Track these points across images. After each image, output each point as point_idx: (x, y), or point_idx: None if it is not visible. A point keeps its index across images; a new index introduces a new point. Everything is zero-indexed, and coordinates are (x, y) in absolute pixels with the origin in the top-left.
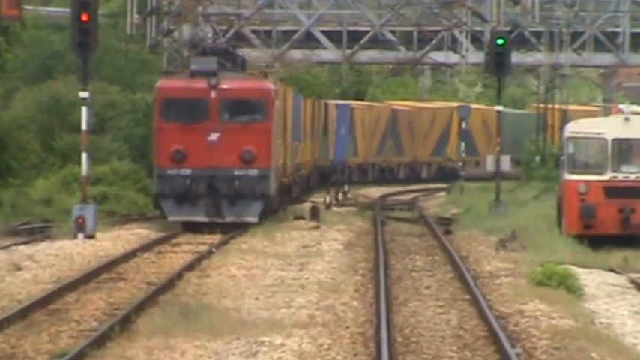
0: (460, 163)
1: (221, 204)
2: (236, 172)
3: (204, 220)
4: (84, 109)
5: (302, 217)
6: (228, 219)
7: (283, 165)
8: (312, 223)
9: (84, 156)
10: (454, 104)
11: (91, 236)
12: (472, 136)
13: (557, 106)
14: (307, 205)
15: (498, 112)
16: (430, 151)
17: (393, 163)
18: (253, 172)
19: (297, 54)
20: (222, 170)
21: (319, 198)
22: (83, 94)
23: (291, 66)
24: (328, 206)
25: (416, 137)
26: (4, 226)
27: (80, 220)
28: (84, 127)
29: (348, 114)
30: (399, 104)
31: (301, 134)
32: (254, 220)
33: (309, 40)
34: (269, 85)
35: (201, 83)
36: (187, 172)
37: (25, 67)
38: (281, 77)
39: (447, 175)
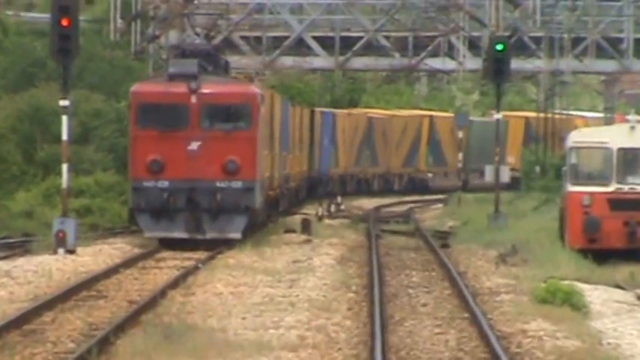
0: (430, 174)
1: (202, 219)
2: (218, 184)
3: (184, 236)
4: (64, 118)
5: (293, 231)
6: (210, 235)
7: (270, 176)
8: (304, 237)
9: (64, 167)
10: (425, 112)
11: (72, 251)
12: (440, 145)
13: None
14: (298, 218)
15: (498, 120)
16: (401, 162)
17: (368, 173)
18: (237, 183)
19: (288, 61)
20: (203, 182)
21: (311, 210)
22: (63, 102)
23: (281, 73)
24: (320, 218)
25: (388, 147)
26: None
27: (60, 235)
28: (64, 137)
29: (330, 122)
30: (375, 112)
31: (290, 144)
32: (237, 236)
33: (300, 47)
34: (254, 90)
35: (180, 87)
36: (165, 184)
37: (5, 74)
38: (271, 85)
39: (416, 186)
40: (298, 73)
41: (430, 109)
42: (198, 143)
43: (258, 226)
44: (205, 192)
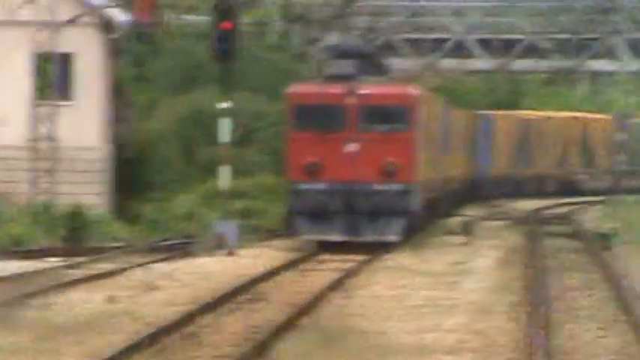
0: (582, 176)
1: (359, 221)
2: (376, 187)
3: (342, 239)
4: (224, 120)
5: (453, 233)
6: (367, 238)
7: (430, 179)
8: (464, 239)
9: (224, 169)
10: (578, 114)
11: (232, 253)
12: (593, 147)
13: None
14: (459, 220)
15: None
16: (554, 164)
17: (522, 175)
18: (395, 186)
19: (449, 63)
20: (360, 184)
21: (472, 212)
22: (223, 104)
23: (442, 75)
24: (481, 220)
25: (542, 149)
26: (143, 242)
27: (221, 237)
28: (224, 139)
29: (488, 124)
30: (530, 114)
31: (450, 145)
32: (396, 238)
33: (461, 49)
34: (413, 91)
35: (337, 88)
36: (322, 186)
37: (168, 77)
38: (432, 87)
39: (569, 188)
40: (459, 75)
41: (589, 111)
42: (356, 145)
43: (418, 229)
44: (363, 194)
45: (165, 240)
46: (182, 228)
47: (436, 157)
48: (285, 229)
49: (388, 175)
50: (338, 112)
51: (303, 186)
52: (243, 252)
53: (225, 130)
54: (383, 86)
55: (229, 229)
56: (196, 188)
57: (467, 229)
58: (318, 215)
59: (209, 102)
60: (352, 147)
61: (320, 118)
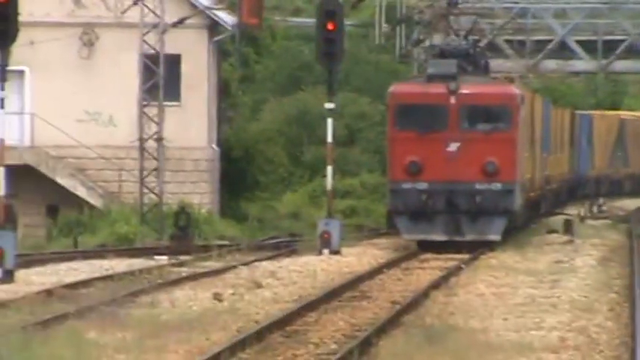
0: None
1: (461, 221)
2: (477, 186)
3: (443, 238)
4: (329, 120)
5: (555, 231)
6: (469, 237)
7: (531, 178)
8: (566, 238)
9: (329, 169)
10: None
11: (337, 252)
12: None
13: None
14: (560, 219)
15: None
16: None
17: (620, 174)
18: (496, 185)
19: (551, 64)
20: (462, 184)
21: (573, 211)
22: (329, 105)
23: (545, 76)
24: (582, 219)
25: (639, 148)
26: (250, 240)
27: (325, 235)
28: (329, 139)
29: (587, 124)
30: (627, 114)
31: (550, 145)
32: (497, 238)
33: (563, 50)
34: (514, 90)
35: (439, 88)
36: (424, 185)
37: (273, 78)
38: (535, 88)
39: None
40: (561, 76)
41: None
42: (457, 144)
43: (519, 228)
44: (464, 194)
45: (270, 238)
46: (287, 227)
47: (537, 156)
48: (387, 229)
49: (490, 174)
50: (439, 111)
51: (404, 185)
52: (347, 250)
53: (330, 130)
54: (485, 86)
55: (334, 227)
56: (302, 187)
57: (568, 228)
58: (419, 215)
59: (314, 103)
60: (453, 146)
61: (421, 117)
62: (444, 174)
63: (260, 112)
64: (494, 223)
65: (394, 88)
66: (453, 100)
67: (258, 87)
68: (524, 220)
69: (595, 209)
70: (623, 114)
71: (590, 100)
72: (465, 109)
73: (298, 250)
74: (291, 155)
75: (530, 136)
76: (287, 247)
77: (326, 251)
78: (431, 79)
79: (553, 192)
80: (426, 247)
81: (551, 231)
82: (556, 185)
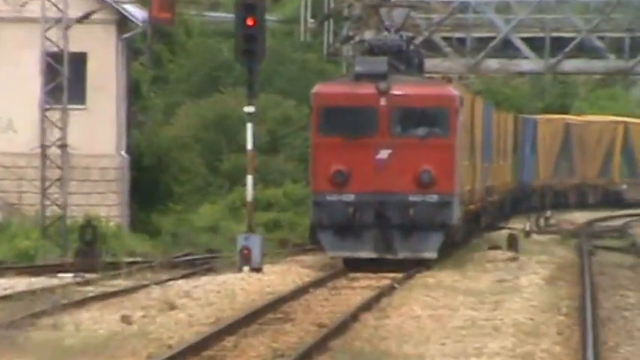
0: (624, 186)
1: (392, 236)
2: (411, 198)
3: (372, 255)
4: (249, 125)
5: (498, 247)
6: (401, 254)
7: (470, 189)
8: (509, 254)
9: (249, 179)
10: (619, 118)
11: (258, 269)
12: (635, 154)
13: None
14: (504, 234)
15: None
16: (596, 173)
17: (564, 185)
18: (432, 197)
19: (493, 63)
20: (394, 195)
21: (517, 225)
22: (249, 108)
23: (487, 77)
24: (528, 234)
25: (584, 156)
26: (163, 257)
27: (245, 251)
28: (249, 145)
29: (532, 129)
30: (574, 118)
31: (492, 152)
32: (432, 255)
33: (507, 48)
34: (452, 91)
35: (368, 88)
36: (351, 197)
37: (189, 78)
38: (476, 90)
39: (610, 199)
40: (505, 77)
41: None
42: (389, 152)
43: (458, 244)
44: (396, 206)
45: (186, 255)
46: (204, 242)
47: (477, 165)
48: (310, 244)
49: (425, 185)
50: (368, 114)
51: (329, 197)
52: (269, 268)
53: (250, 135)
54: (419, 86)
55: (254, 243)
56: (220, 199)
57: (512, 244)
58: (346, 229)
59: (234, 105)
60: (384, 153)
61: (348, 121)
62: (374, 184)
63: (174, 115)
64: (430, 239)
65: (318, 88)
66: (383, 101)
67: (172, 88)
68: (463, 235)
69: (542, 223)
70: (569, 118)
71: (537, 104)
72: (397, 112)
73: (216, 268)
74: (209, 163)
75: (470, 142)
76: (204, 265)
77: (246, 269)
78: (359, 78)
79: (495, 204)
80: (353, 265)
81: (494, 247)
82: (498, 197)
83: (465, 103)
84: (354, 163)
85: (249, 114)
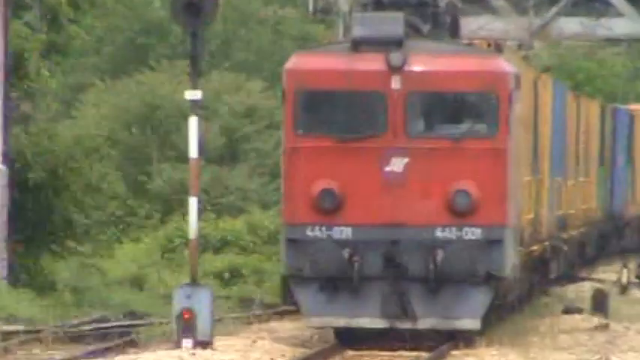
0: None
1: (410, 295)
2: (439, 234)
3: (379, 325)
4: (192, 120)
5: (578, 310)
6: (424, 323)
7: (534, 219)
8: (596, 320)
9: (192, 202)
10: None
11: (206, 344)
12: None
13: None
14: (588, 288)
15: None
16: None
17: None
18: (472, 232)
19: (571, 24)
20: (412, 230)
21: (609, 274)
22: (192, 94)
23: (561, 45)
24: (624, 288)
25: None
26: (60, 324)
27: (187, 316)
28: (192, 152)
29: (628, 127)
30: None
31: (568, 163)
32: (474, 324)
33: (592, 2)
34: (503, 67)
35: (373, 62)
36: (346, 233)
37: (101, 48)
38: (543, 65)
39: None
40: (589, 46)
41: None
42: (404, 161)
43: (514, 304)
44: (416, 247)
45: (94, 321)
46: (123, 301)
47: (545, 181)
48: (284, 304)
49: (460, 213)
50: (373, 103)
51: (311, 232)
52: (224, 342)
53: (195, 136)
54: (452, 58)
55: (201, 302)
56: (148, 234)
57: (600, 304)
58: (338, 284)
59: (170, 90)
60: (398, 164)
61: (342, 113)
62: (381, 213)
63: (78, 105)
64: (470, 299)
65: (295, 62)
66: (396, 82)
67: (75, 63)
68: (522, 291)
69: None
70: None
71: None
72: (418, 100)
73: (140, 341)
74: (131, 179)
75: (533, 146)
76: (122, 336)
77: (188, 343)
78: (359, 46)
79: (573, 243)
80: (350, 339)
81: (571, 309)
82: (577, 231)
83: (525, 85)
84: (350, 178)
85: (194, 102)
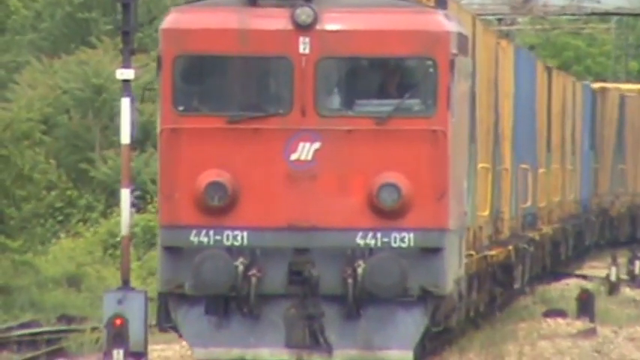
0: None
1: (323, 319)
2: (360, 240)
3: (284, 357)
4: (125, 102)
5: (560, 312)
6: (341, 355)
7: (491, 217)
8: (582, 324)
9: (124, 194)
10: None
11: (139, 354)
12: None
13: None
14: (572, 287)
15: None
16: None
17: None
18: (403, 238)
19: None
20: (324, 234)
21: (596, 271)
22: (124, 72)
23: (546, 21)
24: (614, 287)
25: None
26: None
27: (118, 322)
28: (124, 137)
29: (616, 110)
30: None
31: (537, 147)
32: (405, 356)
33: None
34: (443, 24)
35: (273, 20)
36: (240, 238)
37: (38, 24)
38: (530, 43)
39: None
40: (576, 22)
41: None
42: (314, 146)
43: (448, 333)
44: (330, 257)
45: (24, 326)
46: (58, 303)
47: (504, 171)
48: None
49: (387, 212)
50: (275, 72)
51: (196, 237)
52: (161, 353)
53: (127, 120)
54: (377, 14)
55: (134, 306)
56: (89, 229)
57: (585, 305)
58: (231, 304)
59: (113, 69)
60: (306, 150)
61: (234, 85)
62: (286, 212)
63: (11, 87)
64: (400, 324)
65: (173, 19)
66: (304, 46)
67: (9, 41)
68: (466, 308)
69: (638, 268)
70: None
71: (630, 65)
72: (331, 67)
73: (70, 350)
74: (70, 168)
75: (488, 126)
76: (50, 343)
77: (119, 352)
78: None
79: (543, 244)
80: None
81: (552, 312)
82: (551, 228)
83: (482, 53)
84: (246, 169)
85: (125, 82)
